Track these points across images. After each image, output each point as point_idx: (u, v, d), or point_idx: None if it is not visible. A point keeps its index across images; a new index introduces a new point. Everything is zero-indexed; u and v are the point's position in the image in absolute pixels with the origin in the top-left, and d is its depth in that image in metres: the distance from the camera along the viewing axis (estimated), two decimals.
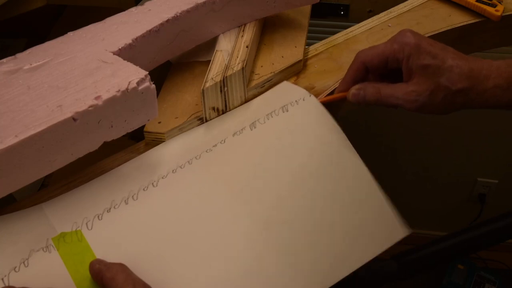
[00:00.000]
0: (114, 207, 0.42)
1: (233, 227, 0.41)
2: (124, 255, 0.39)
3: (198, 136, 0.48)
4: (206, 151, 0.46)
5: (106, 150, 0.43)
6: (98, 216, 0.41)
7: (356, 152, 0.46)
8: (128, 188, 0.43)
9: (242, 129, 0.47)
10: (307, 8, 0.63)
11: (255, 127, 0.47)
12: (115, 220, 0.41)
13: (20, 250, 0.39)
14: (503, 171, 1.42)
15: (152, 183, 0.43)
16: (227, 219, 0.41)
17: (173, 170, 0.44)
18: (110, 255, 0.39)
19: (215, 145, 0.46)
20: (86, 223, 0.40)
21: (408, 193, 1.41)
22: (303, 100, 0.49)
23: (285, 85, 0.52)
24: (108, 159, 0.48)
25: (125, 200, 0.42)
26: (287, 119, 0.47)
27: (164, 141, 0.48)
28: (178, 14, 0.49)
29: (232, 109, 0.50)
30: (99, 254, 0.39)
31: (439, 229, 1.46)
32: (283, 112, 0.48)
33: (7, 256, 0.38)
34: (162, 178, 0.44)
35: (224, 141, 0.46)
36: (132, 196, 0.42)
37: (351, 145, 0.47)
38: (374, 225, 0.44)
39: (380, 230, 0.44)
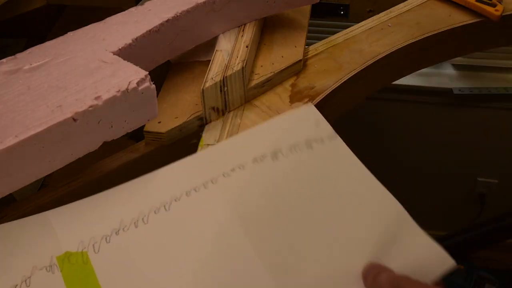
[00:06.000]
0: (123, 229, 0.39)
1: (243, 265, 0.38)
2: (129, 284, 0.37)
3: (214, 153, 0.45)
4: (223, 174, 0.42)
5: (106, 150, 0.43)
6: (106, 238, 0.39)
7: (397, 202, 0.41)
8: (138, 207, 0.41)
9: (262, 157, 0.43)
10: (307, 8, 0.63)
11: (277, 158, 0.43)
12: (123, 245, 0.39)
13: (22, 265, 0.37)
14: (503, 171, 1.42)
15: (164, 206, 0.41)
16: (238, 256, 0.39)
17: (186, 193, 0.41)
18: (114, 283, 0.37)
19: (233, 169, 0.43)
20: (93, 245, 0.39)
21: (408, 193, 1.41)
22: (329, 139, 0.45)
23: (311, 111, 0.48)
24: (108, 159, 0.48)
25: (134, 222, 0.40)
26: (311, 160, 0.44)
27: (163, 141, 0.48)
28: (178, 14, 0.49)
29: (233, 109, 0.50)
30: (103, 280, 0.37)
31: (439, 228, 1.46)
32: (307, 148, 0.44)
33: (9, 271, 0.37)
34: (175, 200, 0.41)
35: (243, 167, 0.43)
36: (143, 218, 0.40)
37: (387, 192, 0.42)
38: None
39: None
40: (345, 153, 0.44)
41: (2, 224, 0.39)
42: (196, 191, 0.41)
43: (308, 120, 0.47)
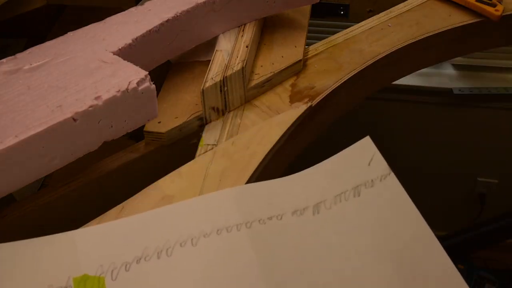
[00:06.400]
0: (145, 259, 0.37)
1: None
2: None
3: (256, 193, 0.42)
4: (259, 221, 0.40)
5: (106, 150, 0.43)
6: (126, 266, 0.37)
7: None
8: (165, 236, 0.39)
9: (303, 209, 0.40)
10: (307, 8, 0.63)
11: (318, 212, 0.40)
12: (141, 276, 0.37)
13: (39, 282, 0.36)
14: (503, 171, 1.42)
15: (192, 240, 0.38)
16: None
17: (217, 231, 0.39)
18: None
19: (270, 218, 0.40)
20: (112, 271, 0.37)
21: (407, 193, 1.41)
22: (380, 180, 0.41)
23: (366, 147, 0.44)
24: (108, 159, 0.48)
25: (158, 253, 0.38)
26: (358, 209, 0.40)
27: (163, 141, 0.48)
28: (178, 14, 0.49)
29: (233, 109, 0.50)
30: None
31: (439, 228, 1.46)
32: (354, 196, 0.40)
33: (25, 286, 0.36)
34: (204, 236, 0.39)
35: (281, 218, 0.40)
36: (167, 250, 0.38)
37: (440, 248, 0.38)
38: None
39: None
40: (395, 196, 0.40)
41: (28, 240, 0.39)
42: (228, 231, 0.39)
43: (360, 159, 0.43)
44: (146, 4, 0.51)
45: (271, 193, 0.42)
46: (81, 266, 0.37)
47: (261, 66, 0.54)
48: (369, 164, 0.42)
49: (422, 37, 0.59)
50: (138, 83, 0.40)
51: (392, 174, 0.41)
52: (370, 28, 0.61)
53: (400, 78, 0.63)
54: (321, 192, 0.42)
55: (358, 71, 0.55)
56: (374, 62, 0.56)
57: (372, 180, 0.41)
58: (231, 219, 0.40)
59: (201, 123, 0.50)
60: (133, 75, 0.41)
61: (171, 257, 0.38)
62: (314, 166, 0.43)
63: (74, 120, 0.37)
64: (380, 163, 0.42)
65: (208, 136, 0.48)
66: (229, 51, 0.52)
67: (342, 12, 0.94)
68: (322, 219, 0.40)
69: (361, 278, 0.37)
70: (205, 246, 0.38)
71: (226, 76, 0.48)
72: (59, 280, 0.37)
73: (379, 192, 0.41)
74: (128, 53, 0.45)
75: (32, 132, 0.36)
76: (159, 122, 0.48)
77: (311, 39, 0.70)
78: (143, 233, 0.39)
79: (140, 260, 0.37)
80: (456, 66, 1.31)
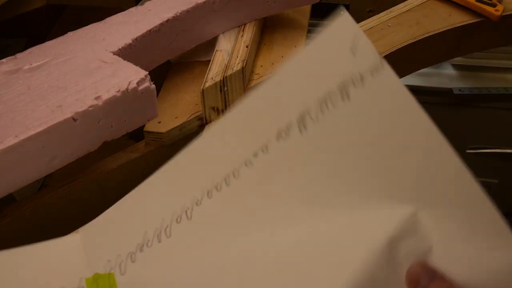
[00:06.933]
0: (147, 244, 0.36)
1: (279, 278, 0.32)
2: None
3: (232, 129, 0.36)
4: (245, 163, 0.34)
5: (106, 150, 0.43)
6: (131, 256, 0.36)
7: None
8: (160, 214, 0.36)
9: (287, 128, 0.33)
10: (307, 8, 0.63)
11: (305, 128, 0.33)
12: (148, 265, 0.35)
13: (51, 285, 0.36)
14: (503, 171, 1.42)
15: (186, 212, 0.35)
16: (271, 269, 0.32)
17: (208, 193, 0.35)
18: None
19: (256, 153, 0.34)
20: (120, 264, 0.36)
21: None
22: (372, 75, 0.31)
23: (345, 26, 0.33)
24: (108, 159, 0.48)
25: (157, 235, 0.35)
26: (349, 116, 0.31)
27: (163, 141, 0.48)
28: (178, 14, 0.49)
29: None
30: None
31: None
32: (343, 100, 0.31)
33: None
34: (196, 204, 0.35)
35: (267, 149, 0.34)
36: (165, 230, 0.35)
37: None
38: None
39: None
40: (393, 95, 0.32)
41: (38, 244, 0.38)
42: (218, 190, 0.35)
43: (340, 44, 0.32)
44: (146, 4, 0.51)
45: (249, 117, 0.35)
46: (91, 265, 0.36)
47: (261, 66, 0.54)
48: (353, 53, 0.32)
49: (422, 37, 0.59)
50: (138, 83, 0.40)
51: (385, 63, 0.32)
52: (370, 28, 0.61)
53: (400, 78, 0.63)
54: (301, 98, 0.33)
55: None
56: None
57: (360, 75, 0.31)
58: (217, 174, 0.35)
59: (201, 123, 0.50)
60: (133, 75, 0.41)
61: (171, 238, 0.35)
62: (281, 66, 0.35)
63: (74, 120, 0.37)
64: (366, 48, 0.31)
65: None
66: (229, 51, 0.52)
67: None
68: (311, 137, 0.33)
69: (368, 199, 0.31)
70: (200, 216, 0.35)
71: (226, 76, 0.48)
72: (71, 282, 0.36)
73: (373, 92, 0.31)
74: (128, 53, 0.45)
75: (32, 132, 0.36)
76: (159, 122, 0.48)
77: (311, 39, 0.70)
78: (140, 213, 0.37)
79: (143, 247, 0.36)
80: (456, 66, 1.31)
